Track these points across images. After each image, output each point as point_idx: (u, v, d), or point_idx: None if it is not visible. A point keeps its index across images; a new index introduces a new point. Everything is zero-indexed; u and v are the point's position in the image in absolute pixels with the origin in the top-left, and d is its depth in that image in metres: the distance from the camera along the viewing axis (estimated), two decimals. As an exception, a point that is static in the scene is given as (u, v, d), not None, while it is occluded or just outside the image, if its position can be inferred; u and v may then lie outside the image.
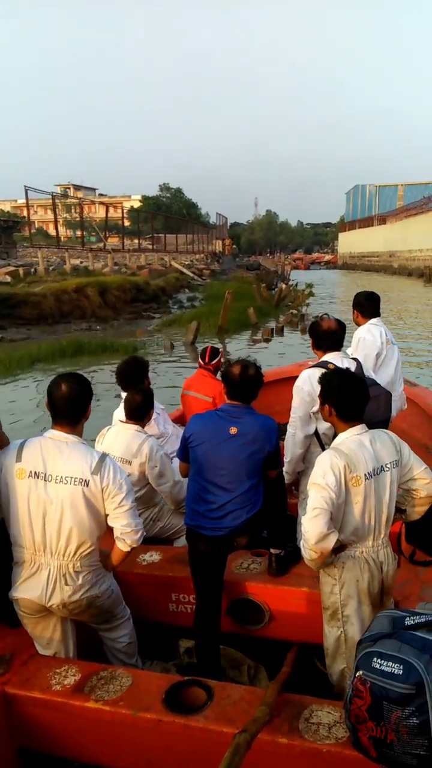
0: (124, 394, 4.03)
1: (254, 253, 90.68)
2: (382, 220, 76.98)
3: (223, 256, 56.96)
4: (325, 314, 3.63)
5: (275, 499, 3.10)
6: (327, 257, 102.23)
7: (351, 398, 2.51)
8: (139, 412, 3.58)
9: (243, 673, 3.03)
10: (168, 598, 3.20)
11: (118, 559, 2.72)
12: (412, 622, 2.01)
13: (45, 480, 2.49)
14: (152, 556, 3.36)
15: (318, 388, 3.34)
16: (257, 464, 2.94)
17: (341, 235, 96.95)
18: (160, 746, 2.32)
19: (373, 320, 4.37)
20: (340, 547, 2.42)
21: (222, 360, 4.75)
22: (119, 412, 3.95)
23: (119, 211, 45.05)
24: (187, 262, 39.20)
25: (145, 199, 79.17)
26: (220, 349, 4.94)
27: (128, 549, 2.66)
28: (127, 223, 46.84)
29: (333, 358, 3.45)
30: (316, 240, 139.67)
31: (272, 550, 3.11)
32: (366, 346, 4.22)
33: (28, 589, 2.55)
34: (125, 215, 47.37)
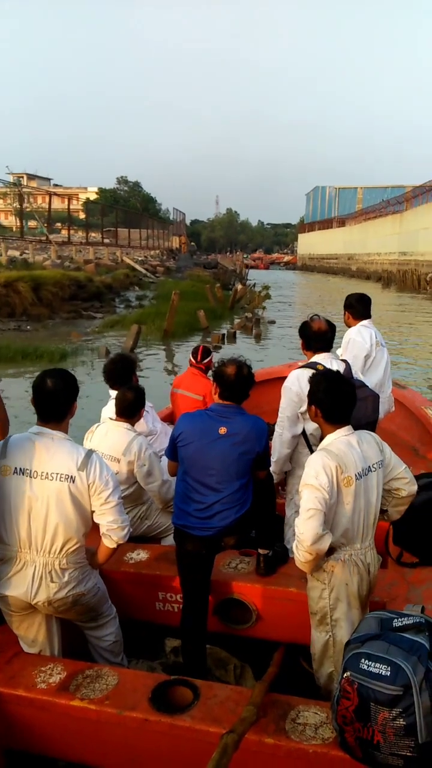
0: (112, 393, 4.01)
1: (214, 252, 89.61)
2: (342, 222, 77.34)
3: (179, 253, 54.91)
4: (316, 315, 3.64)
5: (264, 499, 3.10)
6: (287, 258, 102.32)
7: (337, 401, 2.52)
8: (130, 410, 3.56)
9: (229, 673, 3.03)
10: (155, 596, 3.19)
11: (105, 557, 2.71)
12: (399, 623, 2.02)
13: (30, 476, 2.47)
14: (139, 555, 3.35)
15: (306, 389, 3.36)
16: (246, 464, 2.93)
17: (301, 236, 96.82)
18: (146, 746, 2.31)
19: (364, 322, 4.39)
20: (329, 550, 2.42)
21: (213, 359, 4.76)
22: (107, 410, 3.93)
23: (75, 203, 43.53)
24: (140, 258, 37.30)
25: (101, 192, 77.23)
26: (212, 349, 4.98)
27: (114, 546, 2.64)
28: (83, 215, 45.75)
29: (322, 359, 3.46)
30: (277, 240, 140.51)
31: (260, 550, 3.11)
32: (355, 347, 4.24)
33: (13, 587, 2.53)
34: (81, 208, 46.30)
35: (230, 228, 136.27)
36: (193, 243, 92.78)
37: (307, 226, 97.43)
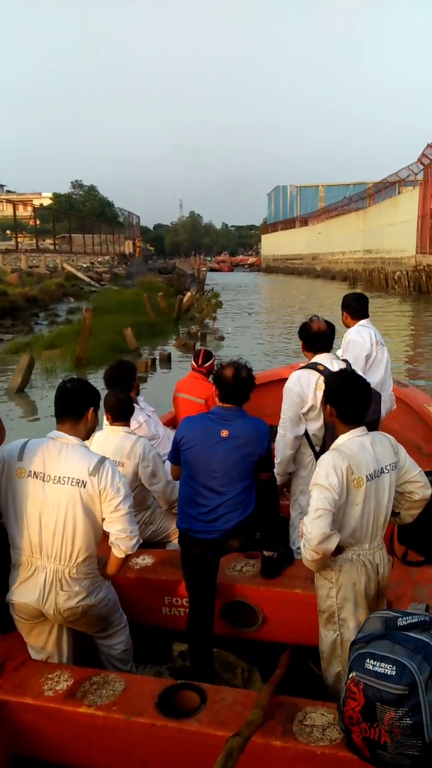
0: None
1: (178, 255, 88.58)
2: (304, 221, 75.80)
3: (133, 257, 51.04)
4: (315, 316, 3.65)
5: (268, 501, 3.10)
6: (251, 260, 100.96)
7: (354, 400, 2.51)
8: (123, 411, 3.54)
9: (237, 676, 3.02)
10: (161, 601, 3.19)
11: (114, 567, 2.70)
12: (404, 622, 2.02)
13: (43, 480, 2.49)
14: (145, 560, 3.35)
15: (307, 389, 3.36)
16: (249, 466, 2.93)
17: (264, 237, 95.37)
18: (153, 750, 2.31)
19: (363, 322, 4.39)
20: (337, 550, 2.42)
21: (215, 363, 4.74)
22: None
23: (22, 209, 42.49)
24: (84, 265, 34.59)
25: (56, 197, 75.51)
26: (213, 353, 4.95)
27: (123, 555, 2.64)
28: (37, 221, 44.78)
29: (323, 359, 3.46)
30: (241, 242, 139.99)
31: (265, 552, 3.11)
32: (356, 347, 4.23)
33: (24, 593, 2.53)
34: (30, 215, 45.02)
35: (194, 231, 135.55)
36: (152, 247, 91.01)
37: (269, 226, 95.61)
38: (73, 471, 2.49)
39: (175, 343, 16.51)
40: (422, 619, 2.01)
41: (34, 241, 39.03)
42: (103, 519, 2.55)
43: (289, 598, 2.96)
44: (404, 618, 2.04)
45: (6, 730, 2.46)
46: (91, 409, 2.64)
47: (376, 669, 1.88)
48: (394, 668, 1.85)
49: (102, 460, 2.55)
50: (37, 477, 2.49)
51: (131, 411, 3.62)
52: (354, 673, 1.94)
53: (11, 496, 2.52)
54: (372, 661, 1.91)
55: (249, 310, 27.47)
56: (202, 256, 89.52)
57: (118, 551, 2.62)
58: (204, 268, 50.98)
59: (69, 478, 2.48)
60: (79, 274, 29.20)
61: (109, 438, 3.49)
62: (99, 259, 41.94)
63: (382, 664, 1.88)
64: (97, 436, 3.54)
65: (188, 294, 24.54)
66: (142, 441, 3.49)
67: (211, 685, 2.53)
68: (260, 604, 3.02)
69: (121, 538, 2.58)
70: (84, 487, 2.48)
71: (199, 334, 17.63)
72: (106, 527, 2.57)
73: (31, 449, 2.54)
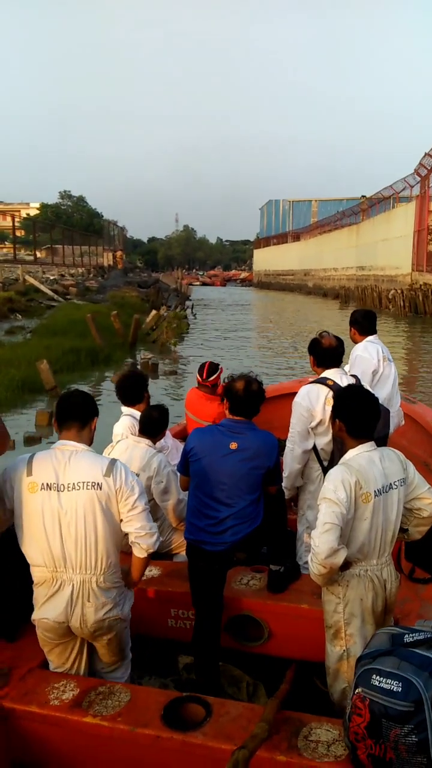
0: (124, 409, 4.05)
1: (171, 269, 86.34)
2: (296, 236, 73.88)
3: (114, 269, 48.22)
4: (325, 332, 3.67)
5: (275, 514, 3.11)
6: (243, 274, 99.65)
7: (363, 415, 2.52)
8: (153, 428, 3.59)
9: (242, 690, 3.01)
10: (167, 613, 3.19)
11: (138, 570, 2.65)
12: (411, 639, 2.02)
13: (58, 490, 2.46)
14: (151, 571, 3.36)
15: (316, 404, 3.38)
16: (257, 479, 2.95)
17: (256, 252, 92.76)
18: (158, 762, 2.30)
19: (370, 338, 4.41)
20: (344, 565, 2.42)
21: (221, 376, 4.57)
22: (119, 426, 3.96)
23: (7, 219, 41.83)
24: (52, 277, 31.49)
25: (43, 207, 73.67)
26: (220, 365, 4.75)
27: (144, 555, 2.60)
28: (22, 232, 44.47)
29: (332, 374, 3.48)
30: (235, 257, 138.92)
31: (272, 567, 3.11)
32: (363, 363, 4.25)
33: (50, 609, 2.49)
34: (19, 225, 44.27)
35: (187, 245, 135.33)
36: (141, 261, 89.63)
37: (262, 241, 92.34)
38: (87, 475, 2.47)
39: (113, 377, 12.08)
40: (429, 636, 2.01)
41: (12, 250, 37.78)
42: (121, 520, 2.53)
43: (296, 613, 2.96)
44: (411, 634, 2.04)
45: (11, 738, 2.47)
46: (96, 419, 2.65)
47: (382, 685, 1.88)
48: (401, 685, 1.85)
49: (113, 461, 2.54)
50: (50, 488, 2.46)
51: (160, 429, 3.65)
52: (360, 689, 1.94)
53: (25, 513, 2.48)
54: (378, 677, 1.91)
55: (224, 334, 22.88)
56: (194, 270, 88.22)
57: (139, 550, 2.58)
58: (197, 282, 48.34)
59: (84, 482, 2.46)
60: (42, 287, 26.22)
61: (129, 449, 3.53)
62: (72, 271, 38.53)
63: (389, 681, 1.88)
64: (119, 446, 3.57)
65: (153, 312, 20.74)
66: (159, 456, 3.52)
67: (217, 698, 2.52)
68: (266, 619, 3.01)
69: (141, 536, 2.54)
70: (100, 489, 2.46)
71: (150, 363, 14.17)
72: (125, 527, 2.54)
73: (40, 462, 2.50)
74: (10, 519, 2.56)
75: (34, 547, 2.49)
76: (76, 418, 2.57)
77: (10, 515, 2.54)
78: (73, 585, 2.49)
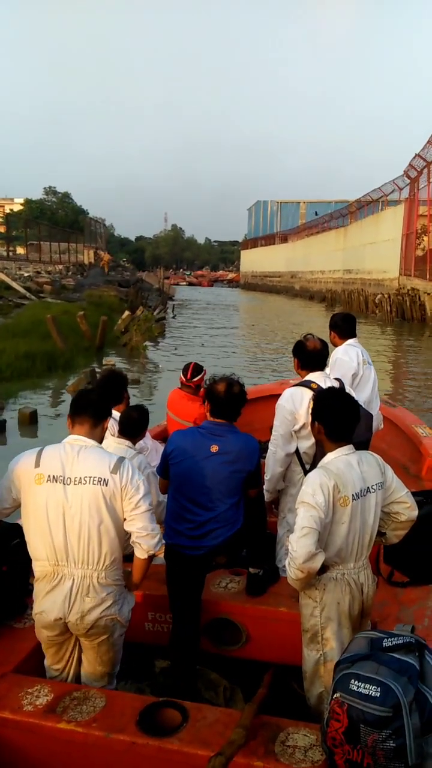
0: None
1: (158, 268, 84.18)
2: (284, 238, 73.75)
3: (94, 267, 46.03)
4: (310, 334, 3.67)
5: (255, 517, 3.09)
6: (231, 275, 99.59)
7: (341, 418, 2.52)
8: (133, 429, 3.55)
9: (219, 695, 2.99)
10: (144, 617, 3.15)
11: (139, 571, 2.65)
12: (389, 643, 2.01)
13: (64, 483, 2.46)
14: None
15: (300, 407, 3.37)
16: (238, 483, 2.93)
17: (243, 253, 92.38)
18: None
19: (350, 341, 4.42)
20: (322, 568, 2.41)
21: (204, 378, 4.55)
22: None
23: None
24: (27, 274, 29.77)
25: (27, 203, 72.79)
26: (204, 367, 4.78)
27: (146, 556, 2.59)
28: (3, 228, 43.73)
29: (316, 377, 3.48)
30: (224, 257, 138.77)
31: (251, 570, 3.10)
32: (343, 366, 4.26)
33: (48, 604, 2.49)
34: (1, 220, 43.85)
35: (175, 245, 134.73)
36: (126, 259, 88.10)
37: (249, 242, 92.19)
38: (94, 470, 2.47)
39: (70, 386, 11.33)
40: (407, 640, 2.00)
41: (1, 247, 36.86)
42: (125, 519, 2.53)
43: (274, 616, 2.94)
44: (390, 639, 2.03)
45: None
46: (109, 419, 2.67)
47: (360, 690, 1.87)
48: (379, 689, 1.84)
49: (121, 458, 2.56)
50: (56, 481, 2.47)
51: (140, 430, 3.61)
52: (338, 694, 1.93)
53: (31, 505, 2.49)
54: (357, 681, 1.90)
55: (204, 339, 21.73)
56: (182, 270, 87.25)
57: (141, 551, 2.58)
58: (183, 282, 47.20)
59: (90, 477, 2.46)
60: (14, 284, 24.68)
61: (109, 448, 3.48)
62: (49, 269, 36.72)
63: (367, 685, 1.87)
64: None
65: (126, 313, 19.56)
66: (139, 458, 3.48)
67: (193, 703, 2.50)
68: (244, 622, 2.99)
69: (143, 536, 2.54)
70: (106, 485, 2.46)
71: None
72: (127, 527, 2.54)
73: (48, 455, 2.52)
74: (15, 509, 2.59)
75: (38, 539, 2.50)
76: (91, 414, 2.59)
77: (17, 505, 2.57)
78: (73, 579, 2.49)
